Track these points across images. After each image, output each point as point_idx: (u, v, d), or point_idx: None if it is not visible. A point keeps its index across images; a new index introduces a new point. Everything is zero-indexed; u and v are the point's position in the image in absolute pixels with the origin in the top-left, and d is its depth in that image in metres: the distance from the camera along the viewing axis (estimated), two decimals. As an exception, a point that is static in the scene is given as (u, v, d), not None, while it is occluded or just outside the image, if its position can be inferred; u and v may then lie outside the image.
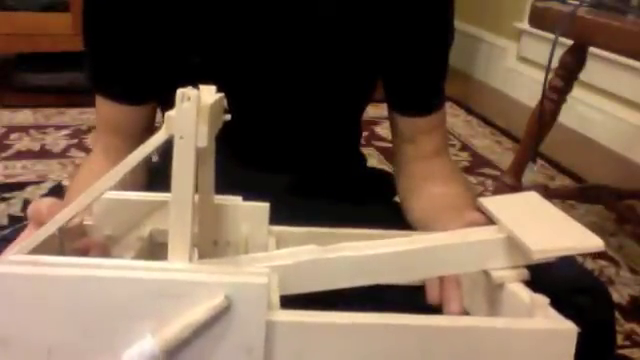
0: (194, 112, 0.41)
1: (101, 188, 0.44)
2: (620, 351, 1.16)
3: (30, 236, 0.45)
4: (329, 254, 0.47)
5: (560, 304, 0.46)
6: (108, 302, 0.39)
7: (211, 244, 0.54)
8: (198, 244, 0.52)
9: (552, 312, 0.43)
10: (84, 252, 0.50)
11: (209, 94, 0.49)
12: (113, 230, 0.54)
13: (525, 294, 0.46)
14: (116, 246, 0.54)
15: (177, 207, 0.41)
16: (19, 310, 0.39)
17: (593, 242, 0.45)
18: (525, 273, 0.48)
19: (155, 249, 0.53)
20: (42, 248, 0.44)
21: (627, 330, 1.23)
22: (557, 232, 0.47)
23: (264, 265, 0.46)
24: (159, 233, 0.53)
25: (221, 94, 0.50)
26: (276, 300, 0.41)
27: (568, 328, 0.41)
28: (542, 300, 0.44)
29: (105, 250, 0.53)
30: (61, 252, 0.49)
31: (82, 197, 0.44)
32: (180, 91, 0.40)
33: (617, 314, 1.25)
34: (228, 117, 0.51)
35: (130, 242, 0.54)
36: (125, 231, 0.54)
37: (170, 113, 0.42)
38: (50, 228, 0.45)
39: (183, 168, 0.41)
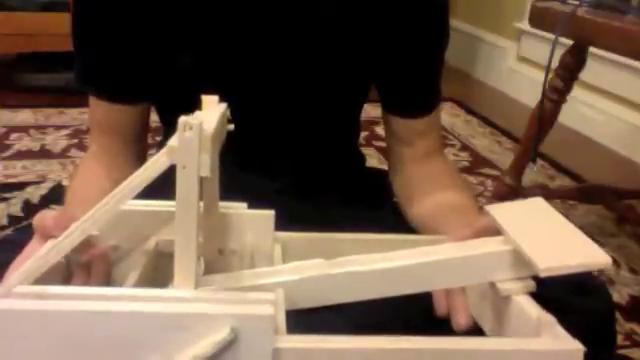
0: (196, 142, 0.40)
1: (106, 215, 0.43)
2: (620, 351, 1.15)
3: (36, 250, 0.45)
4: (335, 269, 0.47)
5: (560, 304, 0.47)
6: (114, 336, 0.38)
7: (216, 253, 0.54)
8: (203, 253, 0.51)
9: (559, 331, 0.43)
10: (87, 264, 0.50)
11: (212, 104, 0.48)
12: (119, 241, 0.54)
13: (533, 310, 0.46)
14: (122, 257, 0.54)
15: (181, 235, 0.41)
16: (24, 344, 0.39)
17: (600, 259, 0.45)
18: (531, 285, 0.48)
19: (161, 260, 0.52)
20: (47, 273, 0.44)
21: (627, 330, 1.23)
22: (564, 246, 0.47)
23: (270, 282, 0.46)
24: (165, 244, 0.53)
25: (224, 104, 0.50)
26: (282, 325, 0.41)
27: (576, 349, 0.41)
28: (549, 318, 0.44)
29: (108, 261, 0.52)
30: (66, 267, 0.49)
31: (85, 222, 0.44)
32: (182, 119, 0.39)
33: (617, 314, 1.25)
34: (232, 127, 0.51)
35: (136, 253, 0.53)
36: (131, 242, 0.53)
37: (172, 142, 0.41)
38: (55, 256, 0.44)
39: (186, 197, 0.40)
